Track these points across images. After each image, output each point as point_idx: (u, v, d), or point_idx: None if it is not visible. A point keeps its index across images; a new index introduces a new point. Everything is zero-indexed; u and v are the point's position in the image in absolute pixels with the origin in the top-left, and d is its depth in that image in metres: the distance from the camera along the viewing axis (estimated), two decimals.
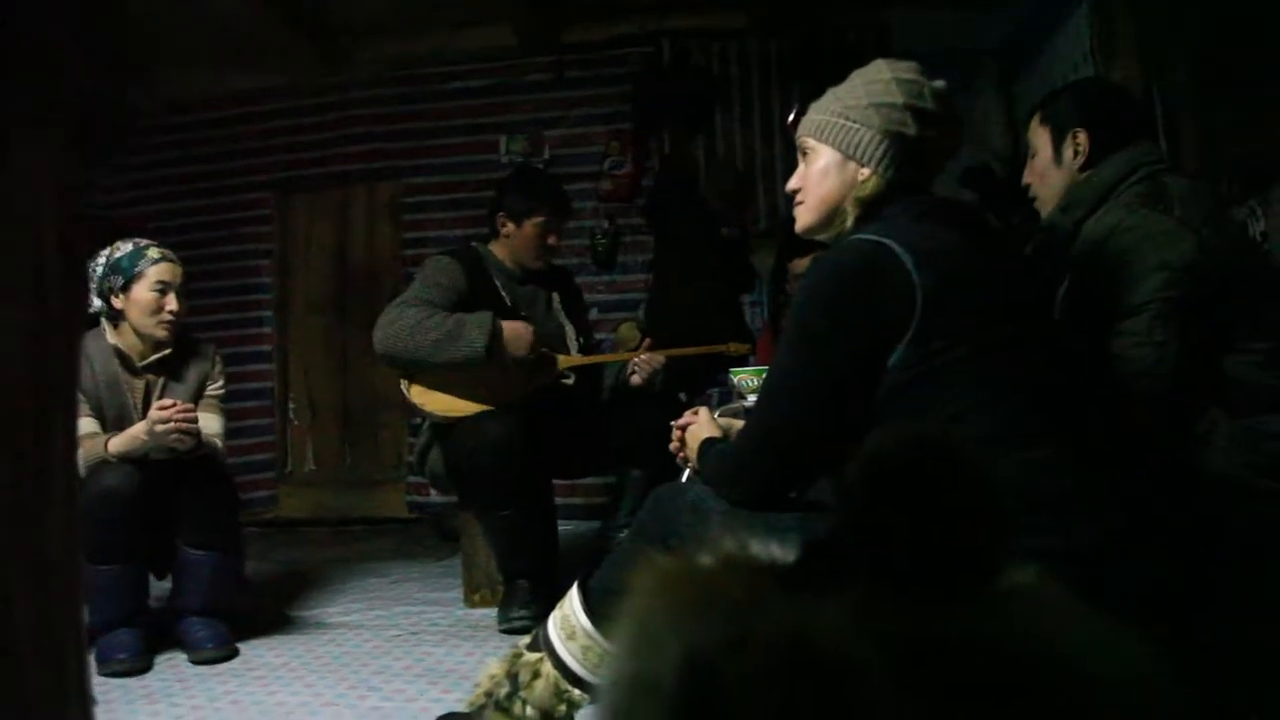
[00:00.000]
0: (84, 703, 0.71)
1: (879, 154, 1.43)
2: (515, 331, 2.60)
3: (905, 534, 0.51)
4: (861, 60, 1.52)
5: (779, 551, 0.60)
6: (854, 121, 1.46)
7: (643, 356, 2.80)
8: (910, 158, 1.43)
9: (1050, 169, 1.89)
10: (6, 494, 0.65)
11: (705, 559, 0.59)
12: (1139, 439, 1.53)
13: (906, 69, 1.47)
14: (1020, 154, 2.00)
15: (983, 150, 3.84)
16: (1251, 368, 1.61)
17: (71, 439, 0.76)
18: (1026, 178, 1.97)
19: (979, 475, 0.52)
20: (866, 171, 1.45)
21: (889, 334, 1.28)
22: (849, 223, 1.48)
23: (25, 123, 0.65)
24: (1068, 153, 1.85)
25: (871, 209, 1.45)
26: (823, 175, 1.50)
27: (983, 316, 1.30)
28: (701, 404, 1.80)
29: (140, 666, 2.27)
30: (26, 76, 0.65)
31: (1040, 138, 1.91)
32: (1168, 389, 1.60)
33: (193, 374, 2.56)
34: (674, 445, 1.73)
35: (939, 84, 1.46)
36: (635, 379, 2.81)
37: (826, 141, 1.49)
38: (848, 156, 1.46)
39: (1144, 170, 1.75)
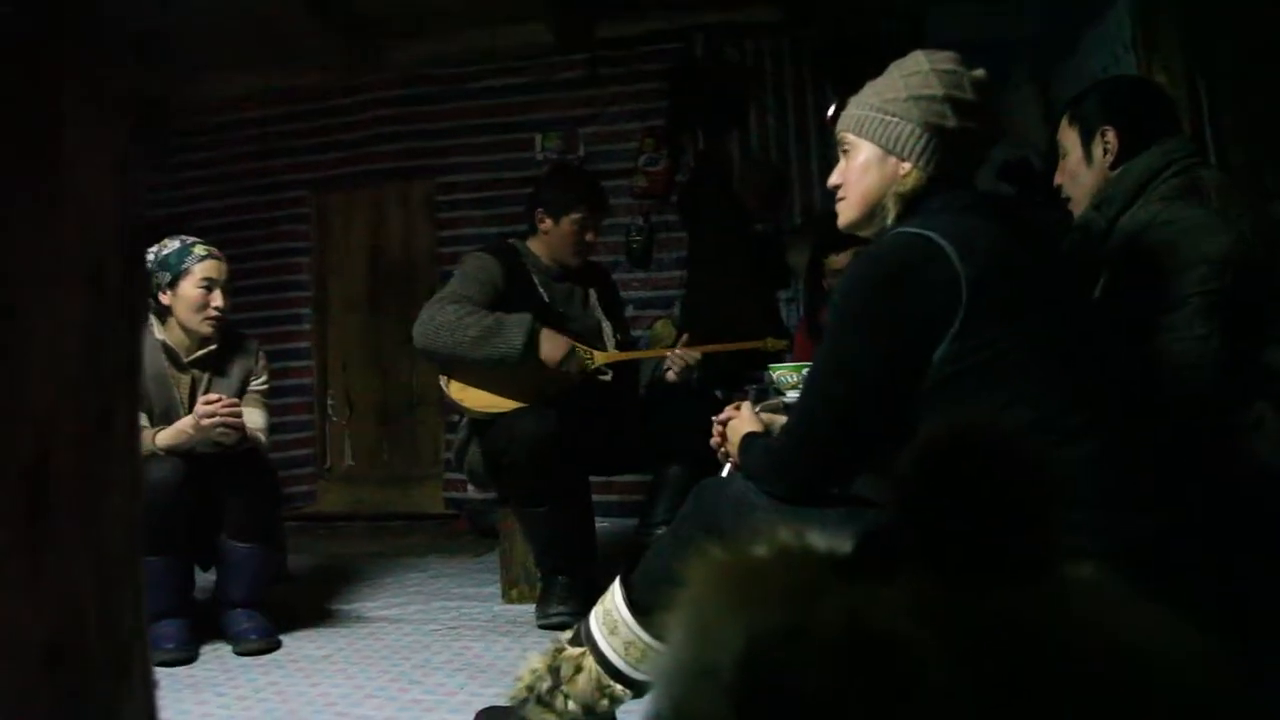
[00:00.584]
0: (149, 691, 0.73)
1: (919, 148, 1.42)
2: (553, 340, 2.61)
3: (961, 523, 0.51)
4: (895, 54, 1.51)
5: (832, 543, 0.60)
6: (893, 115, 1.44)
7: (677, 351, 2.80)
8: (951, 150, 1.42)
9: (1081, 168, 1.88)
10: (70, 485, 0.67)
11: (760, 549, 0.59)
12: (1185, 433, 1.51)
13: (945, 59, 1.45)
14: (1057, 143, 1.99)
15: (1020, 144, 3.80)
16: None
17: (134, 431, 0.78)
18: (1058, 178, 1.96)
19: (1034, 465, 0.52)
20: (907, 166, 1.43)
21: (934, 328, 1.27)
22: (890, 218, 1.47)
23: (82, 112, 0.66)
24: (1097, 151, 1.84)
25: (913, 203, 1.44)
26: (864, 171, 1.48)
27: (1027, 310, 1.29)
28: (739, 400, 1.79)
29: (186, 656, 2.31)
30: (84, 65, 0.66)
31: (1069, 138, 1.90)
32: (1211, 383, 1.58)
33: (237, 369, 2.60)
34: (715, 440, 1.74)
35: (978, 73, 1.44)
36: (670, 374, 2.81)
37: (866, 136, 1.48)
38: (888, 151, 1.45)
39: (1178, 164, 1.74)
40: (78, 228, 0.66)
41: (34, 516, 0.64)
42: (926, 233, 1.30)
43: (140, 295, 0.77)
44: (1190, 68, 2.80)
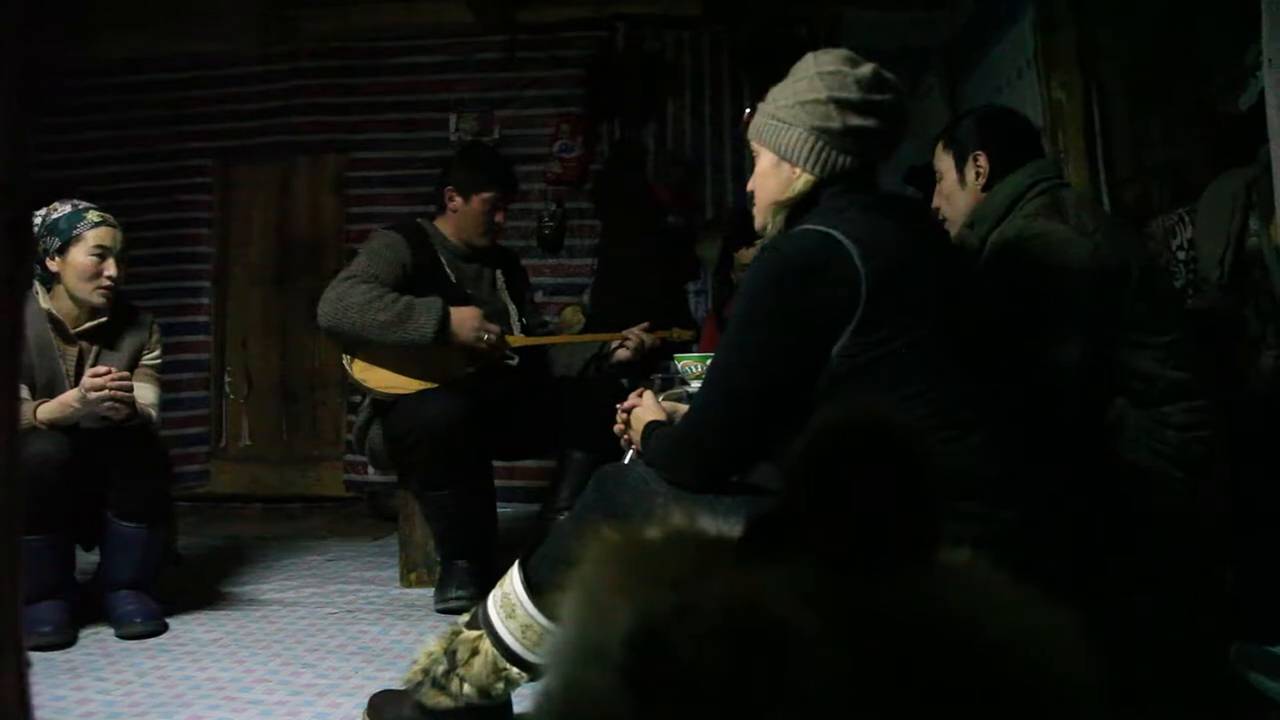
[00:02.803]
0: (21, 675, 0.70)
1: (805, 152, 1.45)
2: (463, 317, 2.59)
3: (847, 508, 0.53)
4: (811, 53, 1.54)
5: (723, 527, 0.62)
6: (783, 121, 1.48)
7: (636, 332, 2.82)
8: (844, 150, 1.44)
9: (956, 191, 2.01)
10: None
11: (652, 531, 0.60)
12: (1055, 429, 1.60)
13: (830, 60, 1.47)
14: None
15: (927, 149, 3.91)
16: (1152, 361, 1.71)
17: (13, 403, 0.75)
18: (935, 201, 2.09)
19: (919, 453, 0.54)
20: (798, 171, 1.47)
21: (833, 323, 1.31)
22: (776, 225, 1.51)
23: None
24: (970, 174, 1.97)
25: (801, 207, 1.48)
26: (764, 177, 1.53)
27: (923, 307, 1.34)
28: (644, 388, 1.82)
29: (65, 640, 2.22)
30: None
31: (944, 162, 2.04)
32: (1076, 382, 1.69)
33: (129, 343, 2.51)
34: (618, 427, 1.75)
35: (864, 70, 1.45)
36: (623, 353, 2.82)
37: (764, 144, 1.52)
38: (781, 157, 1.49)
39: (1041, 185, 1.88)
40: None
41: None
42: (829, 230, 1.34)
43: (22, 261, 0.74)
44: (1086, 84, 2.93)
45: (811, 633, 0.48)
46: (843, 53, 1.49)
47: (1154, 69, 2.68)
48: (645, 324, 2.90)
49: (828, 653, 0.48)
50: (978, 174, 1.95)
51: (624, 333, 2.86)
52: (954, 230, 2.01)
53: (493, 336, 2.64)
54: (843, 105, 1.43)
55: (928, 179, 3.79)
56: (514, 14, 4.45)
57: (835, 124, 1.43)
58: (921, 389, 1.30)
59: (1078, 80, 2.94)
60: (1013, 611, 0.54)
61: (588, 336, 3.02)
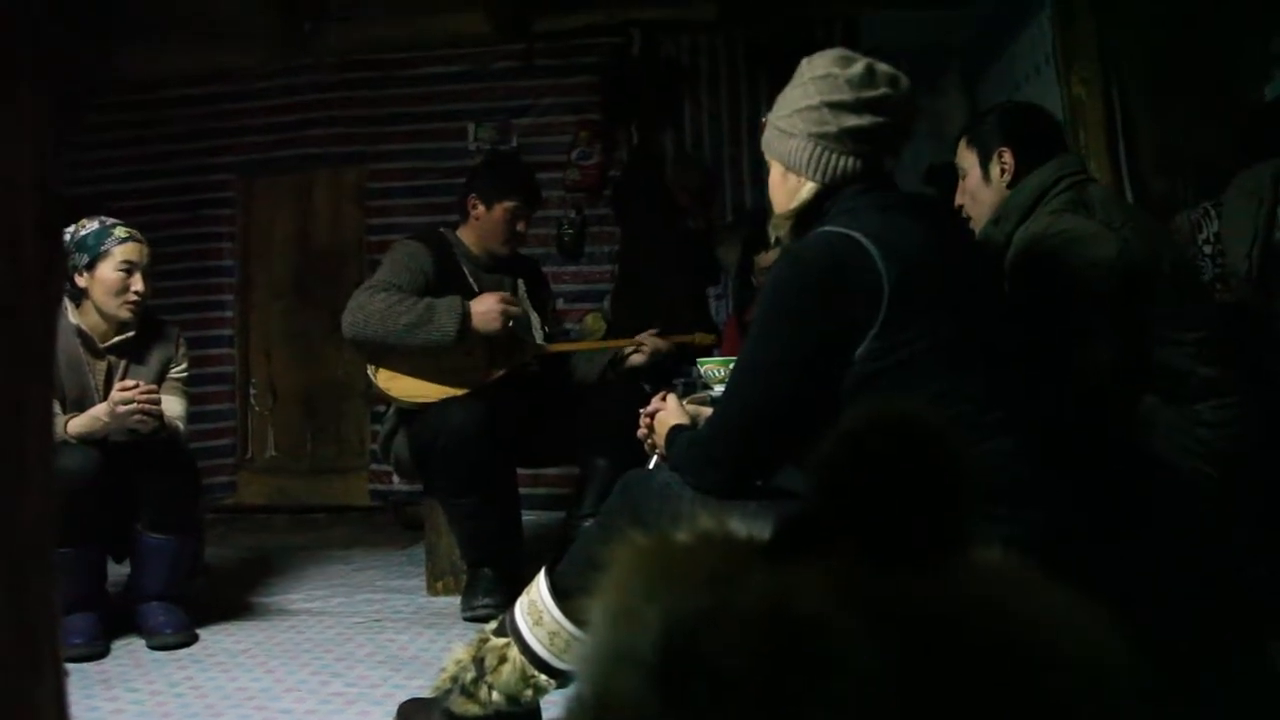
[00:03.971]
0: (60, 686, 0.71)
1: (806, 159, 1.45)
2: (482, 308, 2.60)
3: (879, 507, 0.53)
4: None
5: (752, 530, 0.62)
6: (784, 131, 1.48)
7: (649, 337, 2.82)
8: (844, 152, 1.43)
9: (980, 188, 1.99)
10: None
11: (681, 534, 0.60)
12: (1085, 428, 1.59)
13: (822, 63, 1.46)
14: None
15: (946, 148, 3.89)
16: (1184, 358, 1.69)
17: (48, 418, 0.76)
18: (958, 199, 2.07)
19: (952, 451, 0.54)
20: (803, 179, 1.47)
21: (856, 325, 1.30)
22: (787, 234, 1.51)
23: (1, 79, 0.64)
24: (995, 171, 1.95)
25: (807, 215, 1.47)
26: (775, 188, 1.54)
27: (947, 309, 1.33)
28: (667, 393, 1.82)
29: (97, 651, 2.25)
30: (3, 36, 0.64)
31: (968, 159, 2.01)
32: (1105, 380, 1.67)
33: (156, 356, 2.53)
34: (642, 432, 1.75)
35: (856, 69, 1.43)
36: (637, 358, 2.82)
37: (772, 155, 1.53)
38: (787, 168, 1.49)
39: (1067, 180, 1.85)
40: None
41: None
42: (851, 232, 1.33)
43: (56, 277, 0.74)
44: (1106, 79, 2.91)
45: (846, 632, 0.48)
46: (835, 53, 1.48)
47: (1176, 61, 2.65)
48: (653, 329, 2.90)
49: (863, 652, 0.47)
50: (1002, 170, 1.93)
51: (638, 338, 2.86)
52: (978, 227, 1.99)
53: (516, 309, 2.65)
54: (836, 108, 1.42)
55: (948, 178, 3.77)
56: (530, 23, 4.46)
57: (831, 128, 1.42)
58: (945, 390, 1.28)
59: (1097, 75, 2.91)
60: (1050, 610, 0.53)
61: (607, 343, 3.02)
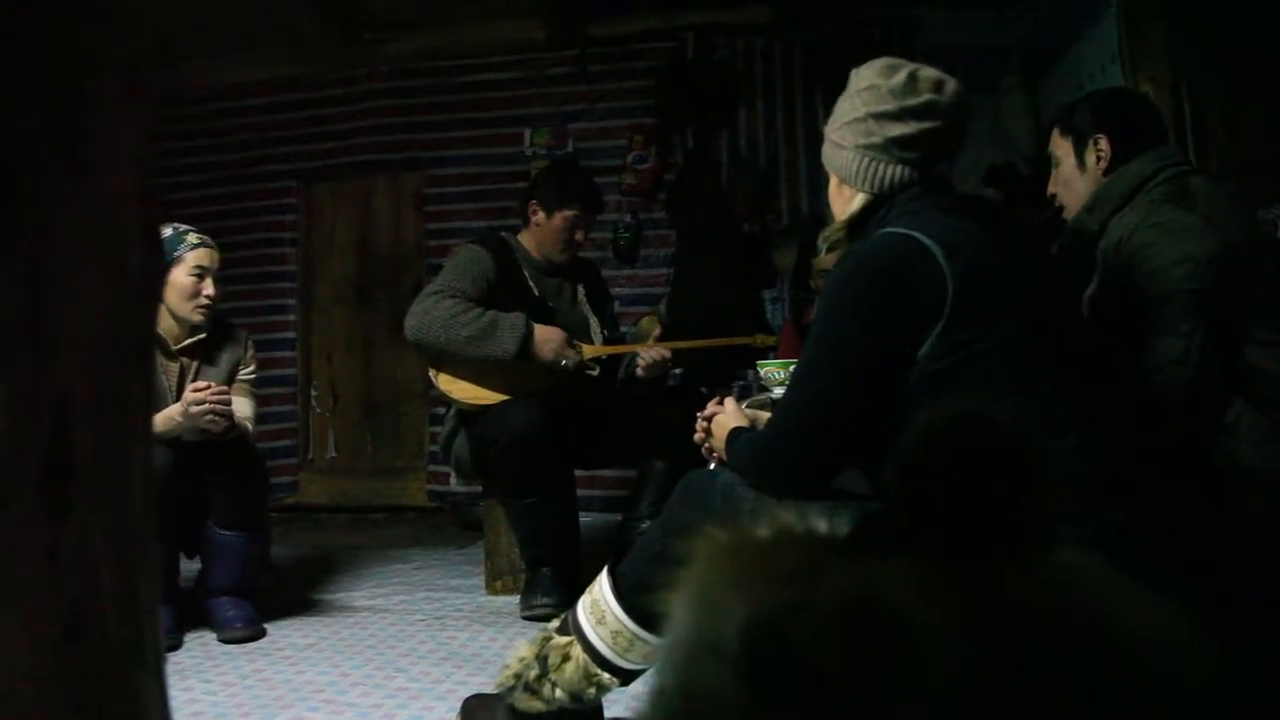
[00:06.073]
0: (160, 669, 0.74)
1: (855, 171, 1.47)
2: (546, 337, 2.63)
3: (961, 505, 0.54)
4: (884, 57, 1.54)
5: (830, 525, 0.63)
6: (836, 144, 1.51)
7: (647, 349, 2.82)
8: (891, 161, 1.44)
9: (1074, 176, 1.95)
10: (89, 464, 0.68)
11: (761, 530, 0.61)
12: (1165, 429, 1.55)
13: (868, 74, 1.48)
14: (1047, 153, 2.05)
15: (1008, 149, 3.85)
16: (1276, 360, 1.64)
17: (149, 412, 0.80)
18: (1051, 187, 2.02)
19: (1034, 451, 0.54)
20: (855, 191, 1.49)
21: (919, 325, 1.30)
22: (837, 240, 1.54)
23: (106, 97, 0.67)
24: (1090, 159, 1.91)
25: (858, 226, 1.49)
26: (833, 199, 1.56)
27: (1011, 307, 1.32)
28: (725, 395, 1.82)
29: (172, 644, 2.32)
30: (109, 51, 0.67)
31: (1062, 147, 1.97)
32: (1193, 379, 1.63)
33: (226, 358, 2.61)
34: (699, 435, 1.75)
35: (899, 78, 1.44)
36: (639, 370, 2.84)
37: (828, 167, 1.55)
38: (841, 180, 1.52)
39: (1168, 171, 1.80)
40: (102, 212, 0.68)
41: (53, 494, 0.66)
42: (913, 233, 1.33)
43: (158, 278, 0.78)
44: (1176, 77, 2.85)
45: (932, 628, 0.48)
46: (881, 63, 1.49)
47: (1247, 61, 2.59)
48: (657, 333, 2.92)
49: (950, 649, 0.48)
50: (1098, 158, 1.88)
51: (640, 347, 2.85)
52: (1071, 216, 1.95)
53: (571, 362, 2.68)
54: (880, 118, 1.44)
55: (1008, 179, 3.73)
56: (585, 29, 4.50)
57: (877, 138, 1.44)
58: (1010, 389, 1.27)
59: (1166, 75, 2.86)
60: (1132, 610, 0.53)
61: (634, 346, 2.98)
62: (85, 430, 0.68)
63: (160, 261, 0.82)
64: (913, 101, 1.43)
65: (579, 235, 2.85)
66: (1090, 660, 0.49)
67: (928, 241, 1.31)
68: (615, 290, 4.19)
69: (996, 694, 0.48)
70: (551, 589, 2.55)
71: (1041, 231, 2.78)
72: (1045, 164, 2.09)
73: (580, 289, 2.97)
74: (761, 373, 2.06)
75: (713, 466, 1.71)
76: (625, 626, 1.53)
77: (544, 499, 2.61)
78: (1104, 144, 1.88)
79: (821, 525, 0.59)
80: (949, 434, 0.55)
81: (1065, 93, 3.45)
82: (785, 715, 0.51)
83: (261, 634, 2.43)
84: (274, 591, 2.77)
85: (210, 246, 2.53)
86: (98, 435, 0.69)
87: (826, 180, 1.59)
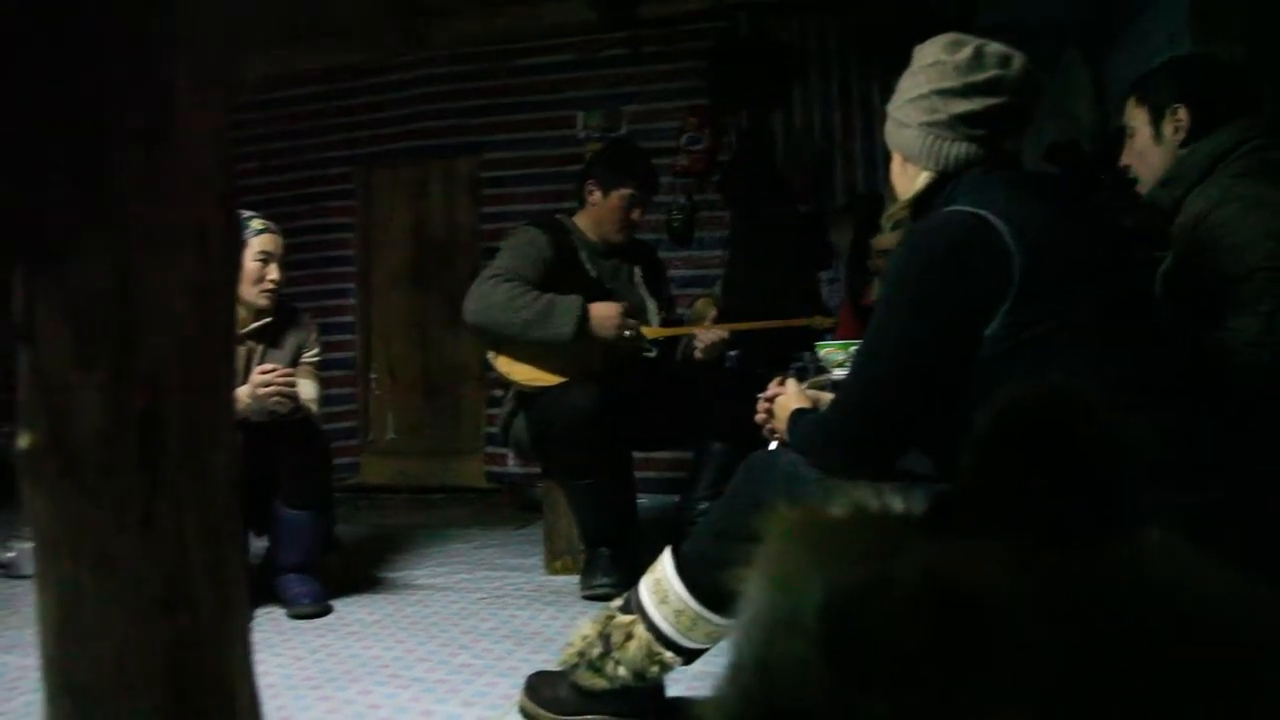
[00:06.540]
0: (247, 638, 0.77)
1: (919, 149, 1.45)
2: (602, 314, 2.64)
3: (1042, 485, 0.53)
4: (942, 33, 1.51)
5: (905, 504, 0.63)
6: (900, 122, 1.49)
7: (703, 331, 2.82)
8: (957, 139, 1.42)
9: (1150, 147, 1.88)
10: (179, 438, 0.71)
11: (837, 508, 0.61)
12: (1243, 409, 1.51)
13: (932, 50, 1.46)
14: (1109, 130, 1.98)
15: (1070, 125, 3.76)
16: None
17: (231, 392, 0.82)
18: (1125, 158, 1.95)
19: (1115, 431, 0.54)
20: (918, 169, 1.47)
21: (986, 304, 1.28)
22: (902, 218, 1.51)
23: (189, 83, 0.69)
24: (1168, 130, 1.84)
25: (922, 204, 1.47)
26: (897, 178, 1.54)
27: (1079, 286, 1.30)
28: (786, 377, 1.81)
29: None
30: (190, 39, 0.69)
31: (1138, 117, 1.90)
32: (1274, 358, 1.58)
33: (290, 341, 2.66)
34: (760, 417, 1.75)
35: (964, 54, 1.42)
36: (697, 353, 2.83)
37: (892, 145, 1.53)
38: (905, 158, 1.50)
39: (1249, 144, 1.73)
40: (186, 194, 0.70)
41: (147, 468, 0.69)
42: (979, 211, 1.31)
43: (238, 260, 0.80)
44: (1249, 51, 2.75)
45: (1013, 607, 0.48)
46: (945, 39, 1.47)
47: None
48: (712, 314, 2.90)
49: (1031, 628, 0.48)
50: (1175, 129, 1.81)
51: (698, 329, 2.83)
52: (1146, 189, 1.89)
53: (633, 331, 2.69)
54: (945, 94, 1.42)
55: (1071, 156, 3.64)
56: (636, 10, 4.48)
57: (941, 115, 1.42)
58: (1077, 369, 1.25)
59: (1239, 48, 2.76)
60: (1218, 589, 0.52)
61: (690, 328, 2.96)
62: (175, 409, 0.70)
63: (240, 244, 0.85)
64: (978, 77, 1.41)
65: (635, 215, 2.85)
66: (1180, 642, 0.48)
67: (994, 219, 1.29)
68: (670, 273, 4.18)
69: (1080, 675, 0.47)
70: (611, 569, 2.57)
71: (1113, 206, 2.72)
72: (1108, 141, 2.03)
73: (637, 271, 2.97)
74: (821, 354, 2.05)
75: (774, 447, 1.71)
76: (688, 606, 1.54)
77: (602, 480, 2.63)
78: (1182, 114, 1.80)
79: (897, 504, 0.59)
80: (1031, 409, 0.54)
81: (1131, 68, 3.34)
82: (865, 692, 0.51)
83: (328, 610, 2.48)
84: (339, 569, 2.83)
85: (274, 232, 2.59)
86: (187, 412, 0.71)
87: (886, 158, 1.58)
